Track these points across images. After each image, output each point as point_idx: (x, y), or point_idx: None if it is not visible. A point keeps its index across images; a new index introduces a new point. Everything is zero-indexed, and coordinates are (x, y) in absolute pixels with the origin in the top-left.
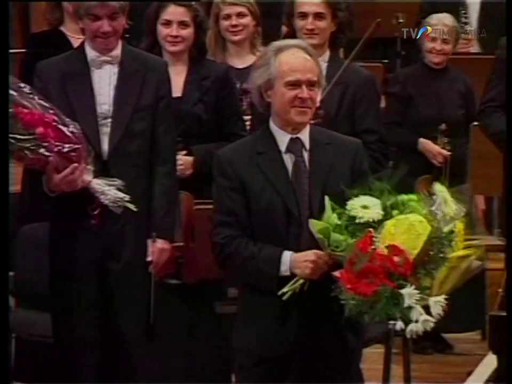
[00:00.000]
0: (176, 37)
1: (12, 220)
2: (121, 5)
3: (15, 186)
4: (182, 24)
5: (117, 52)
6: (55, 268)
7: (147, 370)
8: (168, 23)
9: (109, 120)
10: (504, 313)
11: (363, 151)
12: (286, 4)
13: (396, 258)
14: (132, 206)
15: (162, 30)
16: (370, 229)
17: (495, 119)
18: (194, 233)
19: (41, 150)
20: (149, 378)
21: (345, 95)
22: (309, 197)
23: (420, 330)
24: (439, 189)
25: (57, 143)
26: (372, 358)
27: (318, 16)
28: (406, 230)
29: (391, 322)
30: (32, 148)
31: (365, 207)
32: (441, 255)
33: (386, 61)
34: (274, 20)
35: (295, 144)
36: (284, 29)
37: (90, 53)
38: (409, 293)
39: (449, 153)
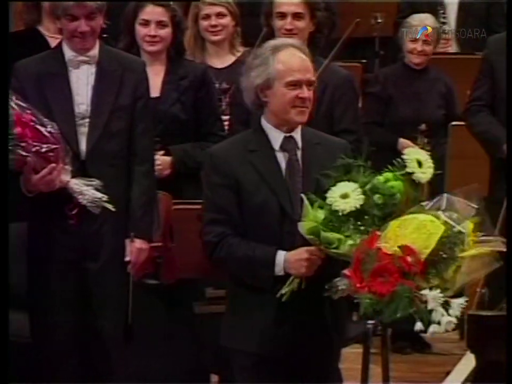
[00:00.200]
0: (154, 36)
1: None
2: (99, 5)
3: None
4: (160, 24)
5: (95, 51)
6: (32, 268)
7: (125, 370)
8: (146, 23)
9: (87, 120)
10: (483, 313)
11: (349, 152)
12: (265, 3)
13: (408, 258)
14: (110, 206)
15: (140, 30)
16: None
17: (480, 118)
18: (172, 234)
19: (19, 150)
20: (127, 378)
21: (323, 95)
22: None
23: (441, 331)
24: (410, 152)
25: (35, 143)
26: (350, 357)
27: (296, 16)
28: (416, 229)
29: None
30: (10, 148)
31: (344, 196)
32: (452, 254)
33: (364, 61)
34: (256, 19)
35: (289, 143)
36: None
37: (68, 53)
38: (434, 296)
39: (429, 153)
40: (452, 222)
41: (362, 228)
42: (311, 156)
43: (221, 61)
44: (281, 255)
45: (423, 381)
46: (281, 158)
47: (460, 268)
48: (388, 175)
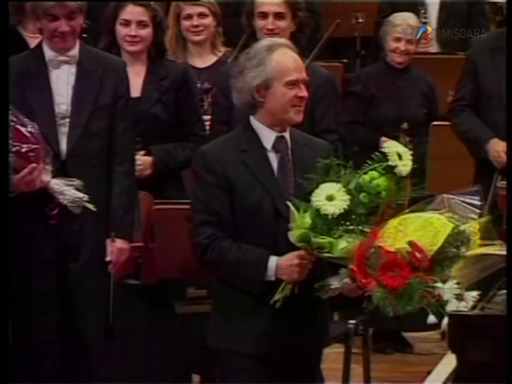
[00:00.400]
0: (134, 36)
1: None
2: (79, 5)
3: None
4: (141, 24)
5: (75, 51)
6: (13, 268)
7: (106, 370)
8: (126, 23)
9: (67, 120)
10: (464, 312)
11: (332, 153)
12: (246, 3)
13: (417, 254)
14: (90, 206)
15: (120, 30)
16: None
17: (463, 118)
18: (153, 234)
19: None
20: (108, 378)
21: None
22: (294, 195)
23: None
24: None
25: (15, 143)
26: (331, 357)
27: (278, 16)
28: (421, 227)
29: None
30: None
31: (329, 198)
32: (458, 252)
33: (345, 60)
34: (238, 19)
35: (280, 143)
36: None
37: (48, 53)
38: (449, 288)
39: (411, 152)
40: (457, 222)
41: (351, 227)
42: (300, 157)
43: (203, 60)
44: (273, 260)
45: (404, 380)
46: (273, 158)
47: (468, 266)
48: (373, 173)
